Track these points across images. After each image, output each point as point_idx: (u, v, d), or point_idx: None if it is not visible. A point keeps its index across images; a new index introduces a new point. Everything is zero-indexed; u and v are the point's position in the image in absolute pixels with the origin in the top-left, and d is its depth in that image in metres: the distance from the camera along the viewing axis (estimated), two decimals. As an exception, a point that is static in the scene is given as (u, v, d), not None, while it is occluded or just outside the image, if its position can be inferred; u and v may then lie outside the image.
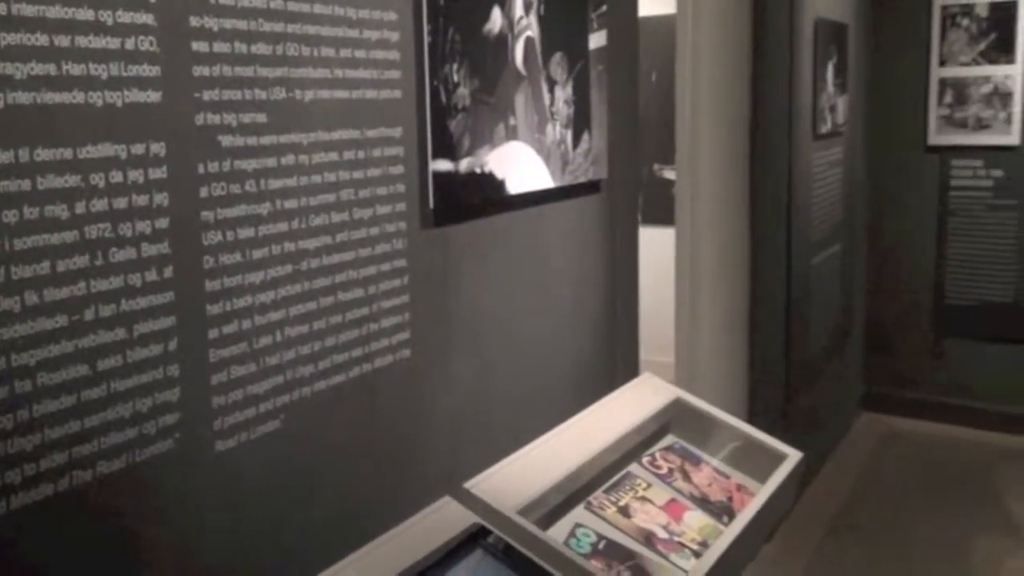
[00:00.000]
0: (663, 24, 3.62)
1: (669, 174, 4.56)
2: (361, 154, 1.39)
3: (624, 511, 1.57)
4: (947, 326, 4.38)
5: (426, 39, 1.50)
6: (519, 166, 1.76)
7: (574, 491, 1.55)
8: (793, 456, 1.81)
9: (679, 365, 3.02)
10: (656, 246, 3.69)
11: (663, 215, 3.86)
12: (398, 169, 1.48)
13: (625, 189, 2.21)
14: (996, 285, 4.24)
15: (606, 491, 1.61)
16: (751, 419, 3.01)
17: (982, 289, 4.28)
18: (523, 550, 1.28)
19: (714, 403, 1.97)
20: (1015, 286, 4.19)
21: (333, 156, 1.34)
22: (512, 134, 1.74)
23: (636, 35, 2.27)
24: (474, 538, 1.33)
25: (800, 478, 1.87)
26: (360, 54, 1.38)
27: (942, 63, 4.25)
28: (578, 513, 1.51)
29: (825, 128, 3.71)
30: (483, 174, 1.66)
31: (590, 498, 1.57)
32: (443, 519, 1.33)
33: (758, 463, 1.82)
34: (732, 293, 3.05)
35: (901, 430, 4.37)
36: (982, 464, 3.96)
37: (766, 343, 3.22)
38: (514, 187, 1.75)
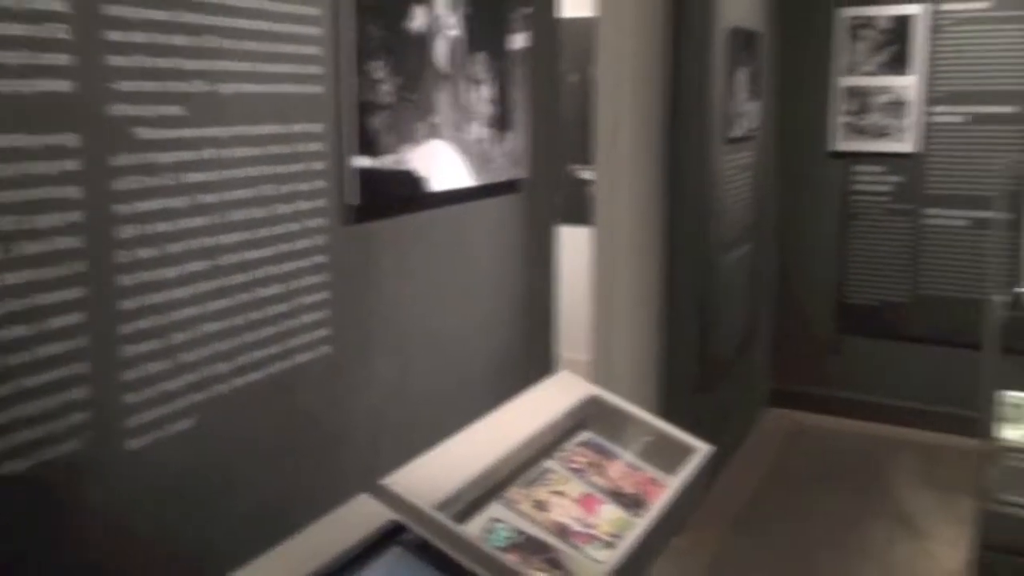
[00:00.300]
0: (583, 27, 3.67)
1: (585, 174, 4.63)
2: (282, 149, 1.38)
3: (540, 505, 1.60)
4: (848, 324, 4.58)
5: (349, 35, 1.50)
6: (441, 164, 1.77)
7: (491, 486, 1.57)
8: (703, 449, 1.87)
9: (595, 363, 3.08)
10: (572, 244, 3.75)
11: (579, 214, 3.92)
12: (320, 165, 1.47)
13: (545, 189, 2.24)
14: (893, 286, 4.45)
15: (523, 486, 1.63)
16: (664, 415, 3.09)
17: (880, 289, 4.49)
18: (440, 546, 1.29)
19: (629, 399, 2.02)
20: (910, 287, 4.42)
21: (254, 151, 1.33)
22: (434, 132, 1.75)
23: (557, 37, 2.31)
24: (392, 534, 1.34)
25: (710, 472, 1.94)
26: (282, 48, 1.37)
27: (846, 73, 4.44)
28: (495, 508, 1.53)
29: (737, 132, 3.83)
30: (405, 171, 1.66)
31: (507, 493, 1.60)
32: (360, 516, 1.33)
33: (670, 457, 1.88)
34: (647, 292, 3.12)
35: (805, 425, 4.55)
36: (879, 455, 4.16)
37: (680, 341, 3.31)
38: (436, 185, 1.76)
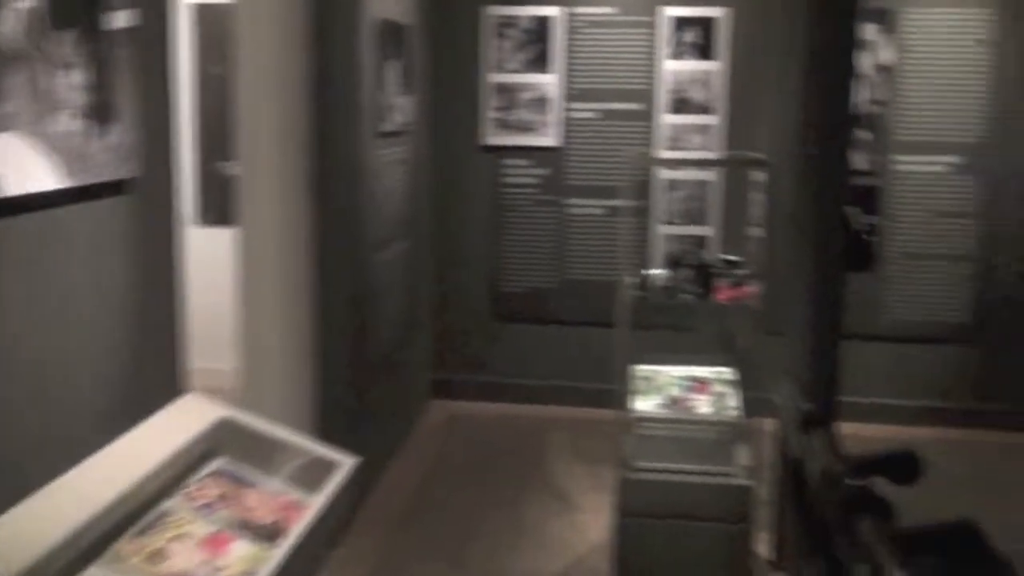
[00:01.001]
0: (222, 14, 3.40)
1: (231, 171, 4.34)
2: None
3: (156, 556, 1.40)
4: (504, 312, 4.77)
5: None
6: (15, 162, 1.48)
7: (92, 543, 1.35)
8: (344, 464, 1.78)
9: (241, 373, 2.86)
10: (220, 246, 3.48)
11: (222, 215, 3.66)
12: None
13: (164, 188, 2.00)
14: (543, 273, 4.72)
15: (135, 536, 1.42)
16: (321, 419, 2.96)
17: (532, 277, 4.73)
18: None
19: (283, 409, 1.87)
20: (558, 273, 4.70)
21: None
22: (5, 123, 1.45)
23: (167, 17, 2.06)
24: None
25: (363, 480, 1.86)
26: None
27: (494, 70, 4.59)
28: (94, 571, 1.31)
29: (389, 126, 3.79)
30: (-39, 173, 1.36)
31: (114, 547, 1.38)
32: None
33: (317, 474, 1.77)
34: (297, 293, 2.97)
35: (466, 413, 4.68)
36: (536, 436, 4.39)
37: (335, 343, 3.19)
38: (9, 188, 1.47)
